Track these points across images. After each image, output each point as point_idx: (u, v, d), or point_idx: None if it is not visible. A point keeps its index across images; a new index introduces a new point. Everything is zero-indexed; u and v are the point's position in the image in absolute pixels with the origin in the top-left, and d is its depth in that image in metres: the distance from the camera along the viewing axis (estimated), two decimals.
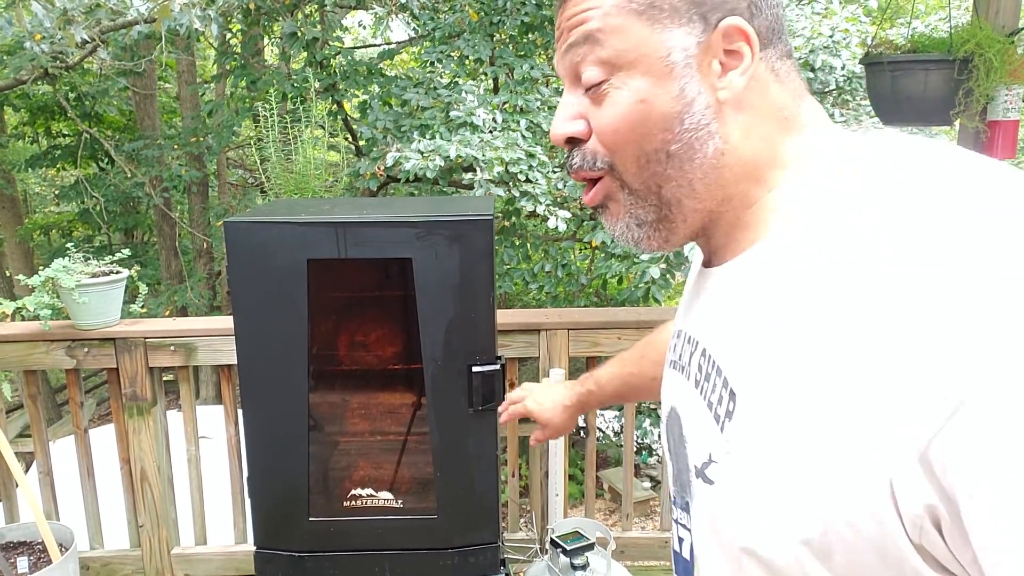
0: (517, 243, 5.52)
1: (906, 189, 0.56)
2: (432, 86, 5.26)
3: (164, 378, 2.73)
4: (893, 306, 0.51)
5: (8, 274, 8.59)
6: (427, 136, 4.66)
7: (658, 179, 0.68)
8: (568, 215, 4.38)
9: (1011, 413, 0.45)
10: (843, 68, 5.16)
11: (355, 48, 8.03)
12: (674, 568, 0.85)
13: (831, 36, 5.23)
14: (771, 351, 0.61)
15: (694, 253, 0.86)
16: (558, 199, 4.68)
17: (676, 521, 0.81)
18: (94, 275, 2.52)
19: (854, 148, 0.65)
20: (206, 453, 2.74)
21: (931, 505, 0.49)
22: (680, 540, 0.81)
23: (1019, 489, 0.45)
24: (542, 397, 1.49)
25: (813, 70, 5.07)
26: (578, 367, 2.59)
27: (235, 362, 1.80)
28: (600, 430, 6.25)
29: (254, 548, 1.89)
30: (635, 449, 5.38)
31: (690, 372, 0.75)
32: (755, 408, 0.62)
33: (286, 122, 4.02)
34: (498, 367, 1.75)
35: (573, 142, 0.72)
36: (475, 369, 1.73)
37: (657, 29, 0.65)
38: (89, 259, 2.62)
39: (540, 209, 4.35)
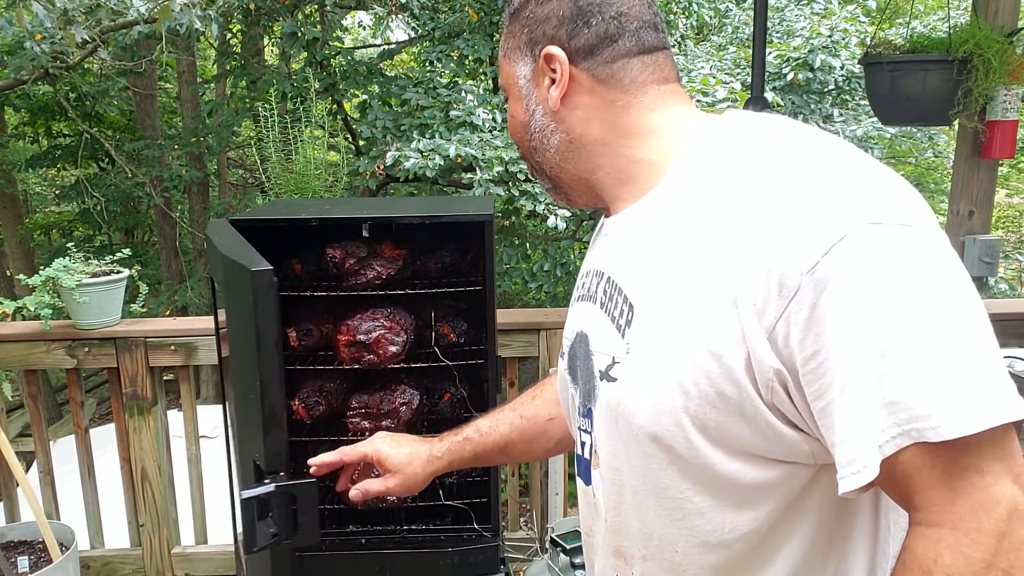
0: (516, 242, 5.52)
1: (751, 142, 0.80)
2: (432, 86, 5.27)
3: (164, 377, 2.74)
4: (741, 216, 0.73)
5: (9, 274, 8.59)
6: (427, 135, 4.66)
7: (539, 162, 0.97)
8: (567, 214, 4.38)
9: (821, 296, 0.67)
10: (842, 68, 5.16)
11: (355, 48, 8.03)
12: (576, 470, 1.00)
13: (830, 36, 5.24)
14: (659, 265, 0.81)
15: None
16: None
17: (580, 429, 0.96)
18: (94, 275, 2.53)
19: (697, 119, 0.89)
20: (206, 452, 2.74)
21: (777, 370, 0.71)
22: (583, 444, 0.96)
23: (841, 351, 0.66)
24: (400, 441, 1.22)
25: (812, 70, 5.08)
26: None
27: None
28: None
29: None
30: None
31: (597, 297, 0.92)
32: (648, 312, 0.81)
33: (286, 122, 4.02)
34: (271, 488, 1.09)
35: None
36: (245, 494, 1.08)
37: (513, 65, 0.94)
38: (90, 259, 2.63)
39: (540, 208, 4.36)
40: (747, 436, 0.75)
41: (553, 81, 0.90)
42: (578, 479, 1.00)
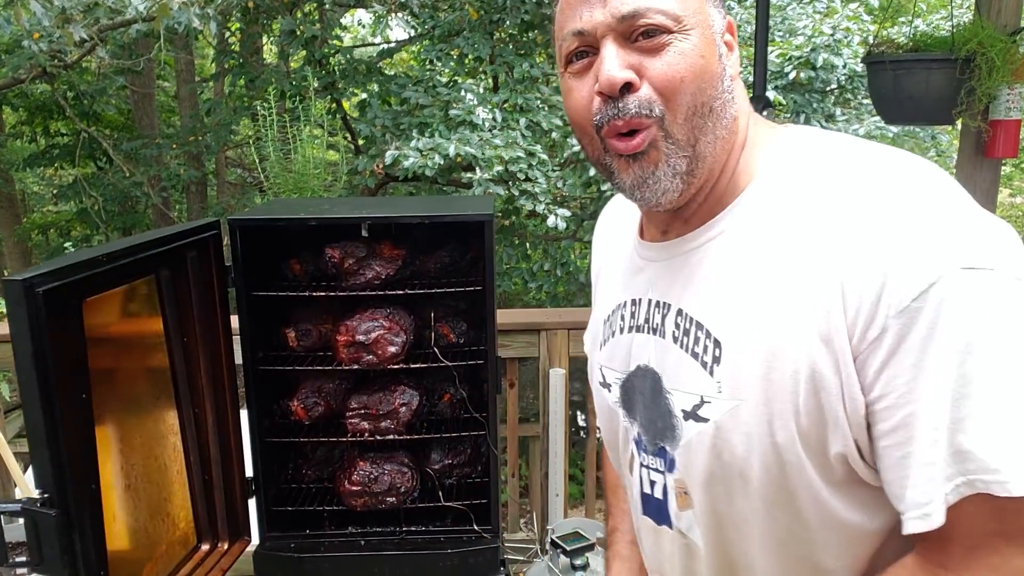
0: (516, 242, 5.51)
1: (835, 167, 0.77)
2: (431, 84, 5.26)
3: None
4: (835, 251, 0.71)
5: (6, 273, 8.58)
6: (426, 134, 4.65)
7: (698, 131, 0.78)
8: (567, 214, 4.37)
9: (906, 338, 0.67)
10: (844, 67, 5.15)
11: (354, 47, 8.02)
12: (642, 510, 0.95)
13: (832, 35, 5.22)
14: (746, 299, 0.77)
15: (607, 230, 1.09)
16: (557, 198, 4.68)
17: (645, 467, 0.92)
18: None
19: (766, 131, 0.84)
20: None
21: (862, 401, 0.71)
22: (653, 484, 0.92)
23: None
24: None
25: (814, 68, 5.07)
26: (578, 366, 2.59)
27: (239, 361, 1.79)
28: (600, 430, 6.25)
29: (253, 549, 1.88)
30: None
31: (664, 331, 0.86)
32: (739, 349, 0.77)
33: (285, 121, 4.01)
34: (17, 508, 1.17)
35: (626, 90, 0.77)
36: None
37: (706, 4, 0.79)
38: None
39: (539, 208, 4.35)
40: (847, 467, 0.75)
41: (728, 46, 0.81)
42: (643, 518, 0.96)
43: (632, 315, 0.92)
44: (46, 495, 1.13)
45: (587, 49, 0.79)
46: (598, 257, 1.11)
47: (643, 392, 0.90)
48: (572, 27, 0.79)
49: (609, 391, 0.97)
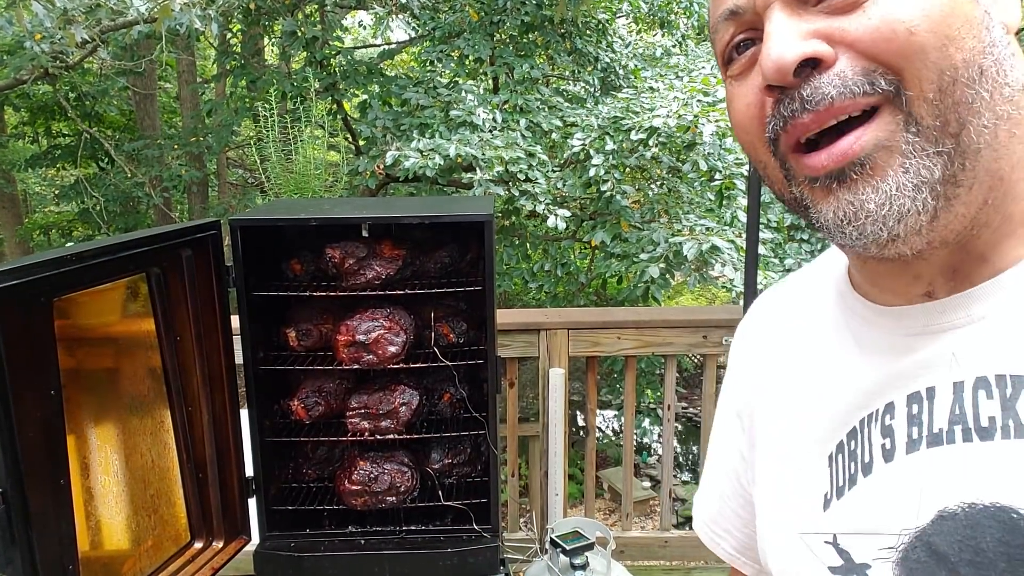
0: (516, 242, 5.51)
1: None
2: (432, 85, 5.27)
3: None
4: None
5: None
6: (427, 135, 4.66)
7: (962, 110, 0.47)
8: (567, 214, 4.38)
9: None
10: None
11: (355, 48, 8.03)
12: None
13: None
14: None
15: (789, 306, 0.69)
16: (557, 198, 4.68)
17: None
18: None
19: None
20: None
21: None
22: None
23: None
24: None
25: None
26: (578, 366, 2.59)
27: (240, 360, 1.80)
28: (600, 430, 6.25)
29: (253, 548, 1.89)
30: (634, 449, 5.38)
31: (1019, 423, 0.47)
32: None
33: (286, 122, 4.02)
34: None
35: (810, 69, 0.49)
36: None
37: None
38: None
39: (540, 208, 4.35)
40: None
41: None
42: None
43: (912, 421, 0.53)
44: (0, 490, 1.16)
45: (749, 37, 0.53)
46: (753, 373, 0.71)
47: (977, 555, 0.46)
48: (723, 8, 0.54)
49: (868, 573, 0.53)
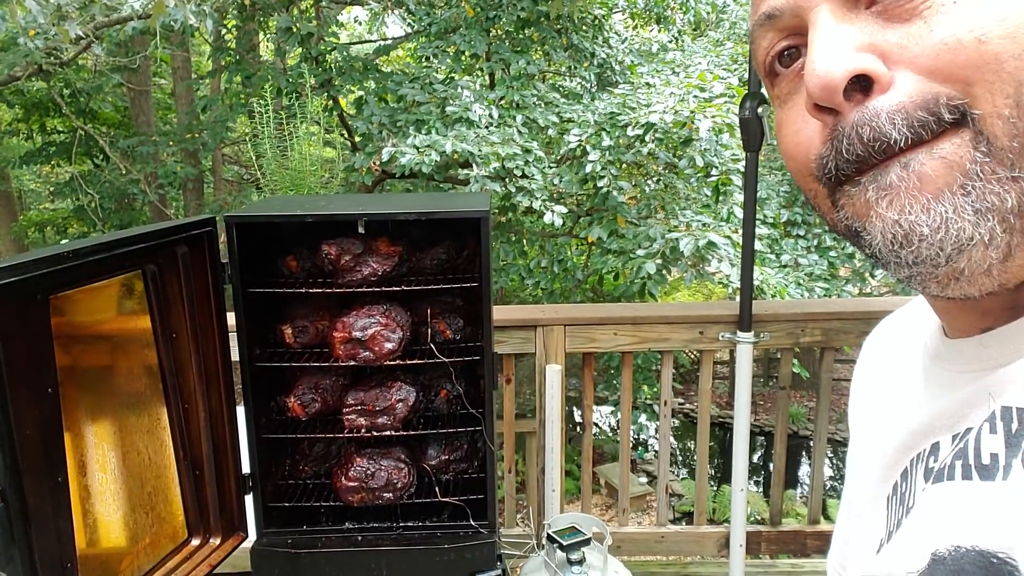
0: (513, 239, 5.52)
1: None
2: (428, 81, 5.26)
3: None
4: None
5: None
6: (423, 131, 4.66)
7: (989, 111, 0.40)
8: (564, 210, 4.38)
9: None
10: None
11: (351, 44, 8.00)
12: None
13: None
14: None
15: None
16: (554, 194, 4.68)
17: None
18: None
19: None
20: None
21: None
22: None
23: None
24: None
25: None
26: (574, 363, 2.59)
27: (236, 358, 1.80)
28: (596, 426, 6.26)
29: (250, 545, 1.89)
30: (631, 445, 5.39)
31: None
32: None
33: (281, 118, 4.01)
34: None
35: (863, 89, 0.43)
36: None
37: None
38: None
39: (536, 204, 4.35)
40: None
41: None
42: None
43: (933, 456, 0.50)
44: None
45: (794, 44, 0.47)
46: (855, 403, 0.68)
47: None
48: (760, 11, 0.48)
49: None
